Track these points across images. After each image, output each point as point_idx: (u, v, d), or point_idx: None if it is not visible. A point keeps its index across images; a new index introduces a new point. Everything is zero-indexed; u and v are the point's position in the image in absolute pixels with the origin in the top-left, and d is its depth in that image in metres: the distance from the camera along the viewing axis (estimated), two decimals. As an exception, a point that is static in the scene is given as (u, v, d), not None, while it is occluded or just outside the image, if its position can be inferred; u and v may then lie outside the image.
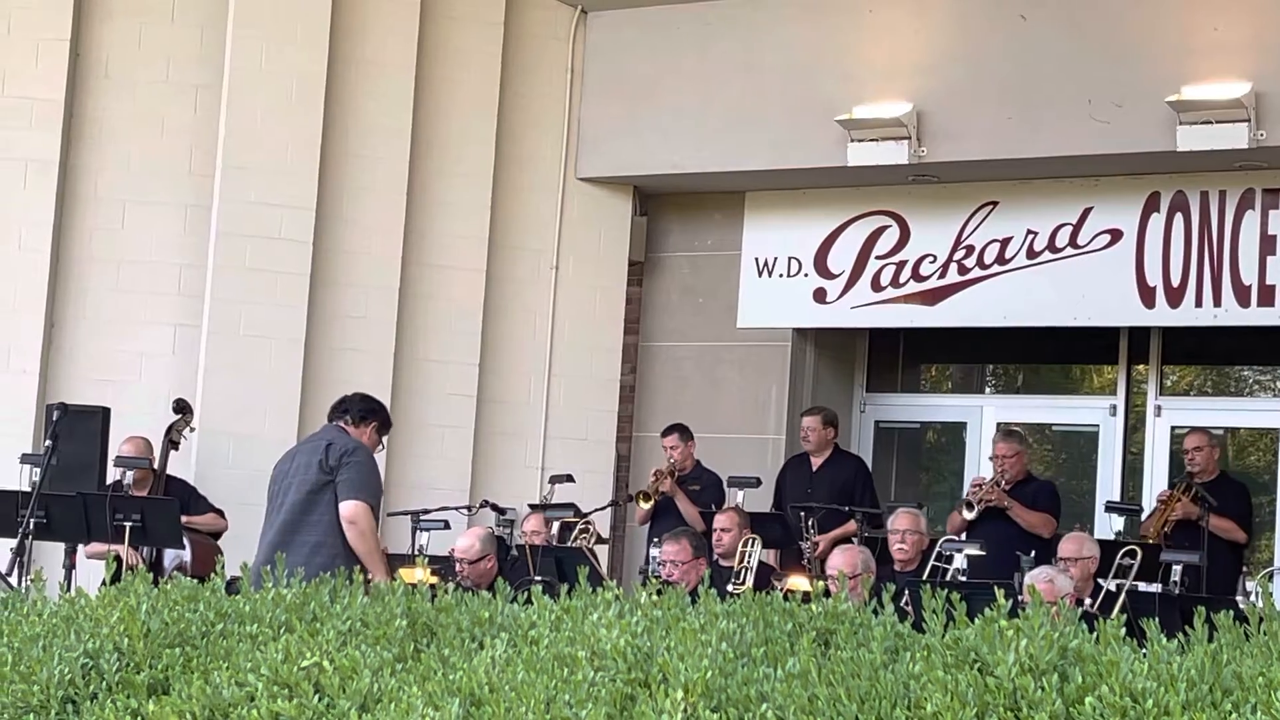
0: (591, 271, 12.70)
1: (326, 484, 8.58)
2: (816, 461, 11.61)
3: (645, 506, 11.47)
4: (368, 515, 8.61)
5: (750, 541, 10.04)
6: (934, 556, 9.42)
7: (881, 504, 11.32)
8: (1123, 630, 3.63)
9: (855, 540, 10.21)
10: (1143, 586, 9.41)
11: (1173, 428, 12.11)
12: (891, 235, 12.17)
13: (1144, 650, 3.60)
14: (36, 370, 11.39)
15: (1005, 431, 11.20)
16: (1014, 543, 9.92)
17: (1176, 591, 8.69)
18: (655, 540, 10.32)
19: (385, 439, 9.21)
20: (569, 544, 10.51)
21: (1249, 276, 11.16)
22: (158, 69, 11.75)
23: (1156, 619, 3.74)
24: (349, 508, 8.51)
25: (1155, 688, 3.35)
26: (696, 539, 9.42)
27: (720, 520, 10.24)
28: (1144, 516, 10.87)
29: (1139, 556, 9.30)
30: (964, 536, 10.21)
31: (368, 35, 11.95)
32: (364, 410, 9.02)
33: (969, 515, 10.36)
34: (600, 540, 11.36)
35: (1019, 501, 10.45)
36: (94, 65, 11.73)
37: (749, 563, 9.93)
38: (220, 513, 10.38)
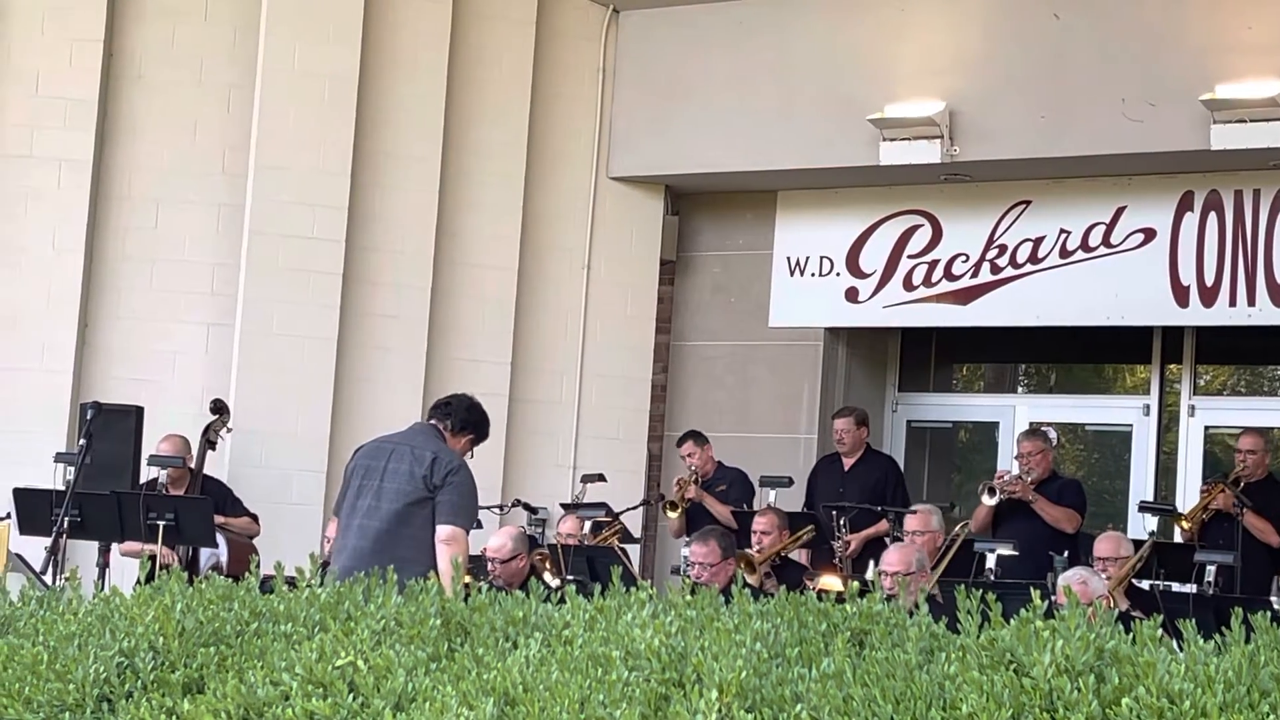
0: (623, 270, 12.70)
1: (425, 500, 8.39)
2: (848, 461, 11.59)
3: (674, 516, 11.44)
4: (464, 542, 8.46)
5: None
6: (949, 554, 9.44)
7: (913, 503, 11.30)
8: (1159, 631, 3.62)
9: (887, 540, 10.18)
10: (1177, 587, 9.38)
11: (1206, 427, 12.08)
12: (924, 234, 12.15)
13: (1181, 651, 3.59)
14: (70, 369, 11.43)
15: (1029, 430, 11.19)
16: (1042, 542, 9.90)
17: (1210, 592, 8.64)
18: (687, 540, 10.31)
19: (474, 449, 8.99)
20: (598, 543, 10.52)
21: (1283, 275, 11.14)
22: (191, 69, 11.79)
23: (1192, 620, 3.73)
24: (446, 531, 8.31)
25: (1192, 689, 3.33)
26: (725, 539, 9.35)
27: (760, 523, 10.22)
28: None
29: (1146, 545, 9.31)
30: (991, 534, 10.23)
31: (400, 35, 11.97)
32: (465, 422, 8.63)
33: (989, 501, 10.34)
34: (629, 539, 11.36)
35: (1044, 498, 10.43)
36: (127, 65, 11.77)
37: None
38: (255, 518, 10.38)
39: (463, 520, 8.35)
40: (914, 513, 9.91)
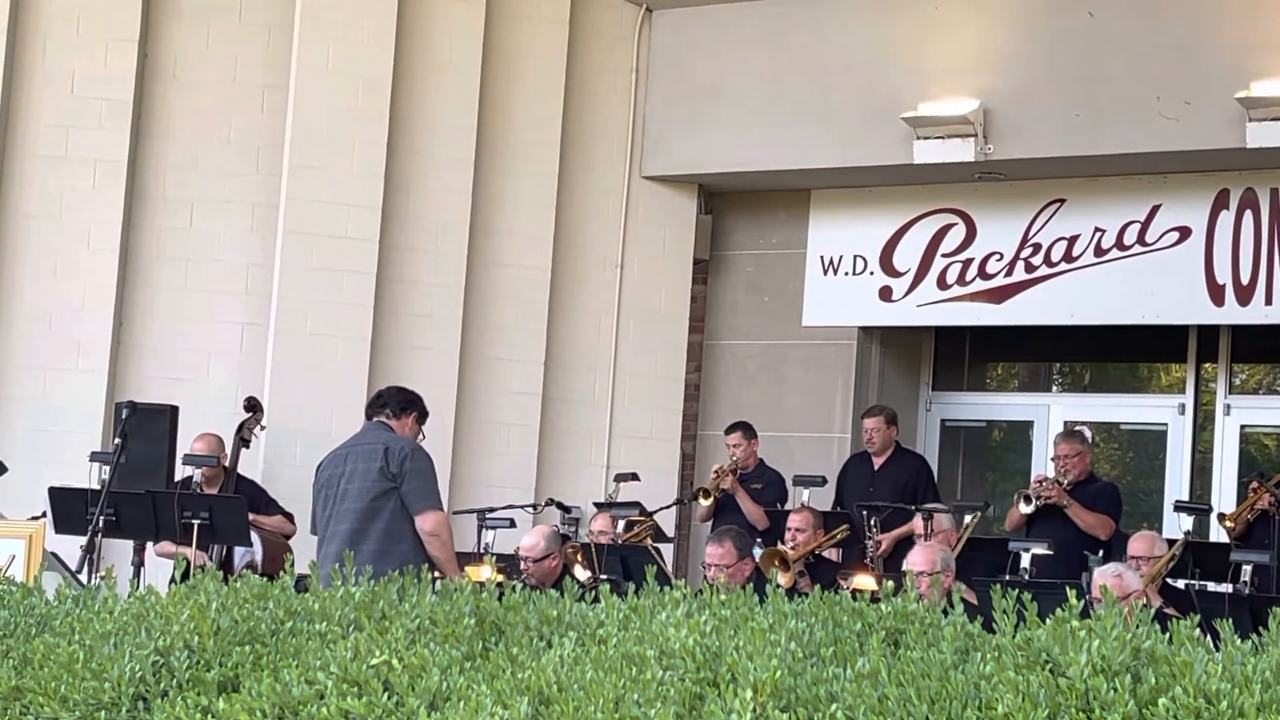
0: (656, 270, 12.70)
1: (389, 490, 8.57)
2: (878, 461, 11.56)
3: (706, 504, 11.45)
4: (447, 525, 8.70)
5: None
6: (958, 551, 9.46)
7: (945, 502, 11.28)
8: (1196, 630, 3.61)
9: (916, 539, 10.16)
10: (1212, 586, 9.34)
11: (1242, 426, 12.03)
12: (958, 233, 12.13)
13: (1218, 651, 3.57)
14: (105, 369, 11.48)
15: (1067, 432, 11.13)
16: (1076, 542, 9.86)
17: (1247, 592, 8.61)
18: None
19: (424, 427, 9.21)
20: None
21: (1319, 275, 11.09)
22: (225, 69, 11.82)
23: (1229, 619, 3.71)
24: (429, 521, 8.53)
25: (1230, 689, 3.31)
26: (741, 540, 9.31)
27: (795, 520, 10.21)
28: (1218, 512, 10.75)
29: (1179, 543, 9.30)
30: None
31: (434, 35, 11.99)
32: (403, 402, 9.02)
33: (1025, 509, 10.30)
34: (662, 537, 11.35)
35: (1079, 502, 10.37)
36: (162, 65, 11.81)
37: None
38: (290, 516, 10.41)
39: (437, 502, 8.67)
40: (929, 515, 9.93)
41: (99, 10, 11.63)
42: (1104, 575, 8.00)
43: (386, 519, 8.55)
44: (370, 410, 9.13)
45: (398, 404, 8.98)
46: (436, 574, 7.95)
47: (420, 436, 9.07)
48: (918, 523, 10.16)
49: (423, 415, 9.12)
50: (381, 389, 9.36)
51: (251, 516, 9.76)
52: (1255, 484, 10.34)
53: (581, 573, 9.15)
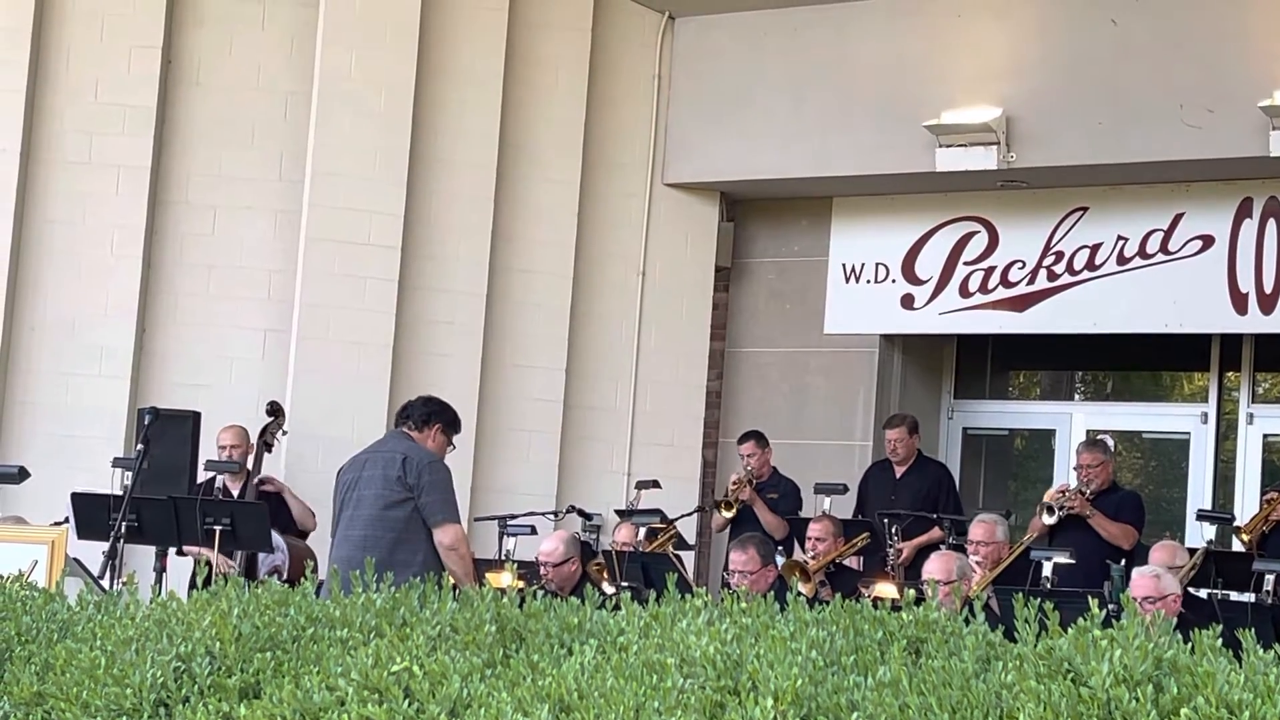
0: (678, 277, 12.70)
1: (405, 500, 8.55)
2: (900, 469, 11.55)
3: (726, 515, 11.43)
4: (465, 538, 8.69)
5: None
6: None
7: (967, 510, 11.26)
8: (1218, 640, 3.59)
9: (943, 547, 10.13)
10: (1235, 596, 9.32)
11: (1265, 435, 12.00)
12: (980, 241, 12.11)
13: (1240, 661, 3.56)
14: (128, 374, 11.50)
15: (1089, 441, 11.11)
16: (1096, 553, 9.82)
17: (1269, 601, 8.58)
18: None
19: (455, 438, 9.16)
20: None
21: (1343, 283, 11.06)
22: (248, 76, 11.85)
23: (1251, 629, 3.70)
24: (448, 534, 8.50)
25: (1252, 699, 3.30)
26: (764, 546, 9.32)
27: (815, 529, 10.18)
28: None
29: (1199, 552, 9.27)
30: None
31: (456, 42, 12.00)
32: (425, 414, 8.95)
33: (1049, 520, 10.26)
34: (684, 545, 11.35)
35: (1102, 511, 10.33)
36: (185, 72, 11.83)
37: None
38: (312, 512, 10.44)
39: (452, 515, 8.63)
40: (982, 522, 9.80)
41: (122, 16, 11.66)
42: (1143, 575, 8.04)
43: (399, 529, 8.53)
44: (396, 420, 9.12)
45: (420, 416, 8.92)
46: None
47: (450, 448, 9.03)
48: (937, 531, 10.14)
49: (450, 425, 9.02)
50: (410, 400, 9.29)
51: (286, 493, 9.79)
52: (1272, 494, 10.32)
53: (609, 588, 9.15)
